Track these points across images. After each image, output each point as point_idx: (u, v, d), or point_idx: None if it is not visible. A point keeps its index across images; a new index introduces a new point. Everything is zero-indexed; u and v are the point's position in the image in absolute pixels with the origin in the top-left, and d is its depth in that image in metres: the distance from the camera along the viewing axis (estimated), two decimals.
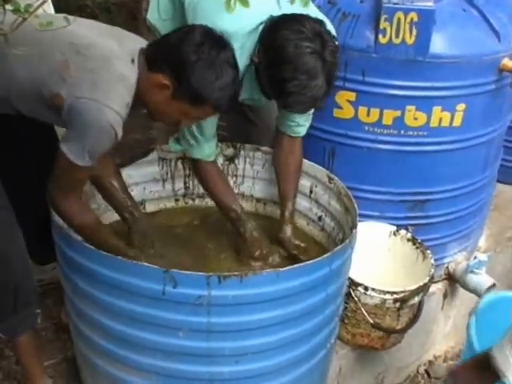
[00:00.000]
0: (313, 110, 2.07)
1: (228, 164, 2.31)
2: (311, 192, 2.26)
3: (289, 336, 1.77)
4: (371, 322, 2.19)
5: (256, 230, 2.09)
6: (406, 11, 2.07)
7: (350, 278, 2.12)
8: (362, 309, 2.16)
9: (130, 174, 2.20)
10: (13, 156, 2.03)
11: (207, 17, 1.83)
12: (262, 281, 1.63)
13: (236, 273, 1.60)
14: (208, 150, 2.05)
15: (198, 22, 1.82)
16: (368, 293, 2.14)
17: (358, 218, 1.93)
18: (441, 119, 2.23)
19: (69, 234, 1.76)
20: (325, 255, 1.73)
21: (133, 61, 1.67)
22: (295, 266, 1.68)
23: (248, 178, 2.36)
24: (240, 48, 1.80)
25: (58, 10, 4.23)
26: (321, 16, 1.97)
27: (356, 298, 2.16)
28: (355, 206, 1.98)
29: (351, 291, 2.15)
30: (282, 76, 1.74)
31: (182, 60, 1.63)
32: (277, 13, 1.84)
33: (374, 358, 2.49)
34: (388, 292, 2.15)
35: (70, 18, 1.52)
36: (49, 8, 2.41)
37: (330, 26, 1.92)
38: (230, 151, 2.29)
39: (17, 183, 2.05)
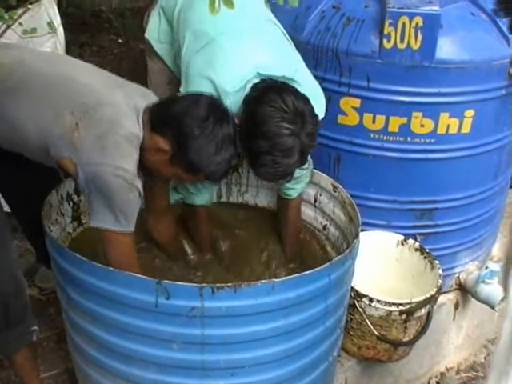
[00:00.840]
0: (303, 175, 2.08)
1: (232, 172, 2.28)
2: (316, 200, 2.22)
3: (287, 349, 1.73)
4: (377, 334, 2.13)
5: None
6: (411, 16, 2.02)
7: (354, 289, 2.07)
8: (367, 321, 2.11)
9: None
10: (18, 165, 2.02)
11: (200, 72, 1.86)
12: (256, 292, 1.59)
13: (230, 284, 1.57)
14: (208, 195, 2.10)
15: (191, 78, 1.87)
16: (373, 304, 2.09)
17: (360, 228, 1.88)
18: (449, 126, 2.17)
19: (62, 245, 1.74)
20: (323, 265, 1.68)
21: (137, 119, 1.69)
22: (292, 276, 1.64)
23: (252, 187, 2.32)
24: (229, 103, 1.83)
25: (72, 16, 4.28)
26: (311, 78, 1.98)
27: (361, 310, 2.11)
28: (358, 215, 1.94)
29: (356, 302, 2.10)
30: (258, 149, 1.76)
31: (185, 131, 1.66)
32: (265, 59, 1.86)
33: (382, 370, 2.43)
34: (394, 303, 2.09)
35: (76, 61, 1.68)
36: (54, 15, 2.41)
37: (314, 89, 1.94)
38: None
39: (24, 189, 2.06)
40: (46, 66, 1.76)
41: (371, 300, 2.09)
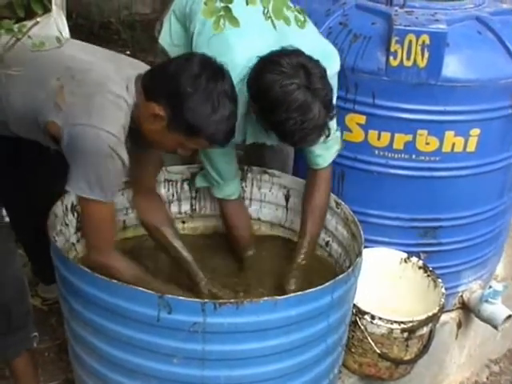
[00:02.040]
0: (331, 140, 2.00)
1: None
2: None
3: (289, 366, 1.72)
4: (378, 351, 2.12)
5: None
6: (418, 34, 2.02)
7: (356, 307, 2.06)
8: (369, 338, 2.10)
9: None
10: (19, 177, 2.02)
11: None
12: (259, 309, 1.58)
13: (232, 300, 1.56)
14: (228, 190, 2.12)
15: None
16: (375, 322, 2.08)
17: (363, 246, 1.87)
18: (454, 144, 2.17)
19: (65, 255, 1.74)
20: (326, 283, 1.67)
21: (127, 88, 1.63)
22: (294, 294, 1.64)
23: (255, 201, 2.32)
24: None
25: (81, 28, 4.30)
26: (317, 36, 1.95)
27: (362, 327, 2.10)
28: (361, 232, 1.93)
29: (358, 320, 2.09)
30: (277, 119, 1.72)
31: (178, 91, 1.58)
32: (277, 43, 1.81)
33: None
34: (395, 321, 2.08)
35: (66, 39, 1.50)
36: (63, 26, 2.42)
37: (322, 46, 1.90)
38: None
39: (23, 203, 2.05)
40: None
41: (373, 317, 2.08)
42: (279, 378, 1.72)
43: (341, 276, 1.72)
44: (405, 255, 2.31)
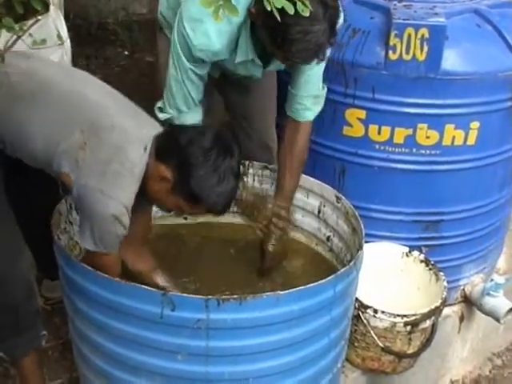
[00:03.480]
0: (321, 96, 2.02)
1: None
2: (319, 212, 2.21)
3: (292, 361, 1.73)
4: (381, 345, 2.12)
5: None
6: (417, 27, 2.02)
7: (358, 301, 2.06)
8: (372, 332, 2.10)
9: None
10: (23, 176, 2.03)
11: None
12: (261, 304, 1.59)
13: (235, 296, 1.56)
14: (198, 115, 2.04)
15: None
16: (377, 316, 2.08)
17: (364, 240, 1.88)
18: (454, 137, 2.17)
19: (69, 254, 1.74)
20: (328, 278, 1.67)
21: (145, 149, 1.68)
22: (297, 288, 1.63)
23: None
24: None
25: (79, 28, 4.29)
26: None
27: (365, 321, 2.10)
28: (362, 226, 1.93)
29: (360, 314, 2.10)
30: (285, 21, 1.61)
31: (188, 160, 1.65)
32: None
33: (387, 383, 2.42)
34: (398, 315, 2.09)
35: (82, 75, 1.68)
36: (61, 26, 2.41)
37: None
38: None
39: (29, 199, 2.06)
40: (63, 79, 1.76)
41: (376, 311, 2.09)
42: (282, 373, 1.73)
43: (342, 270, 1.73)
44: (406, 249, 2.31)
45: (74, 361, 2.19)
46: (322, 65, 1.97)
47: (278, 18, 1.33)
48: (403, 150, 2.19)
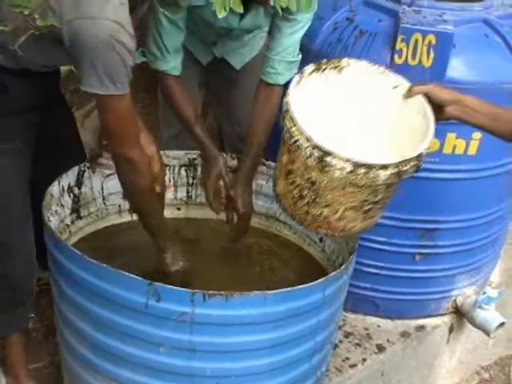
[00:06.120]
0: (295, 62, 2.03)
1: (232, 176, 2.26)
2: None
3: (276, 361, 1.71)
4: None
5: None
6: (424, 33, 2.00)
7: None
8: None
9: None
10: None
11: None
12: (248, 302, 1.57)
13: (222, 292, 1.55)
14: (173, 62, 2.04)
15: None
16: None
17: (357, 244, 1.86)
18: (455, 146, 2.15)
19: (58, 236, 1.73)
20: (318, 280, 1.66)
21: None
22: (285, 289, 1.61)
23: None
24: None
25: None
26: None
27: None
28: None
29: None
30: None
31: None
32: None
33: None
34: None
35: None
36: None
37: None
38: (233, 163, 2.23)
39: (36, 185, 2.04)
40: None
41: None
42: (266, 373, 1.71)
43: (333, 273, 1.71)
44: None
45: (56, 345, 2.19)
46: (301, 32, 1.99)
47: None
48: None
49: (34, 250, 1.95)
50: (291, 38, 2.00)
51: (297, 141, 1.56)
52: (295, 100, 1.62)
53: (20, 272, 1.89)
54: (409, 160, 1.58)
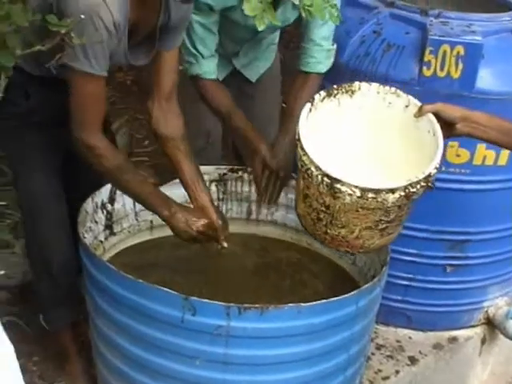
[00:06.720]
0: (332, 50, 2.10)
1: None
2: None
3: (310, 373, 1.72)
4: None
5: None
6: (453, 44, 2.01)
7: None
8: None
9: None
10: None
11: None
12: (282, 315, 1.59)
13: (257, 305, 1.56)
14: (207, 67, 2.10)
15: None
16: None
17: (389, 256, 1.86)
18: (485, 157, 2.15)
19: (93, 252, 1.76)
20: (351, 293, 1.67)
21: None
22: (319, 302, 1.62)
23: (281, 206, 2.30)
24: None
25: None
26: None
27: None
28: None
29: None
30: None
31: None
32: None
33: None
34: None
35: None
36: None
37: None
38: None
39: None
40: None
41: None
42: None
43: (366, 286, 1.72)
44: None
45: (92, 359, 2.21)
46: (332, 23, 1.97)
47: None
48: None
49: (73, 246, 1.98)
50: (324, 28, 2.06)
51: (308, 169, 1.61)
52: (308, 128, 1.66)
53: (57, 259, 1.96)
54: (417, 182, 1.60)
